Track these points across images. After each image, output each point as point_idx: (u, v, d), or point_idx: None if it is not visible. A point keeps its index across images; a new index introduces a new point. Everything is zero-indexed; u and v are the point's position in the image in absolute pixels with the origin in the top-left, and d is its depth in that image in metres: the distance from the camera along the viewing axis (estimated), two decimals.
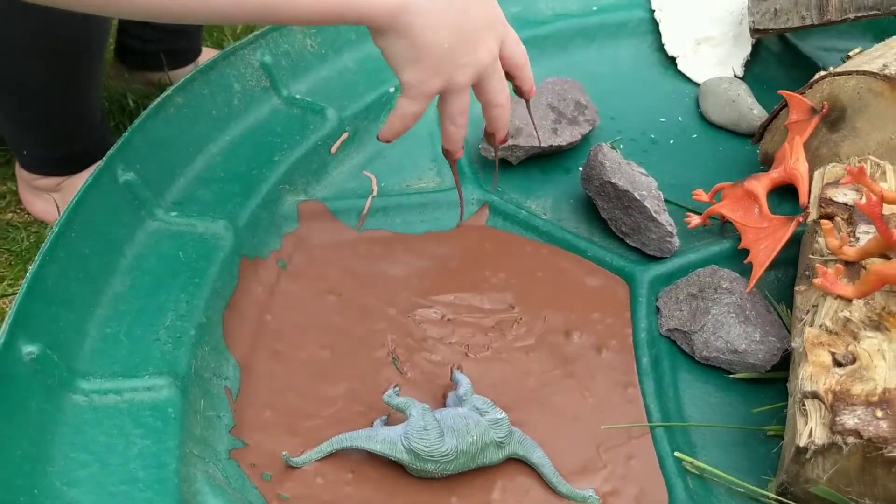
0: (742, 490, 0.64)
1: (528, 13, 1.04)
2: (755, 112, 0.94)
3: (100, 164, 0.72)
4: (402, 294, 0.75)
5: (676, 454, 0.65)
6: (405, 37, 0.57)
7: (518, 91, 0.72)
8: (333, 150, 0.85)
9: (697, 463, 0.65)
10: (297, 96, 0.87)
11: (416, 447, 0.60)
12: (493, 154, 0.87)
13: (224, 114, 0.83)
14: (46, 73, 0.83)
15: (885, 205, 0.66)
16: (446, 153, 0.71)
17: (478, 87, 0.64)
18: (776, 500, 0.62)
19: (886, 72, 0.78)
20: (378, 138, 0.67)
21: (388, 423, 0.65)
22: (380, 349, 0.71)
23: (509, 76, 0.68)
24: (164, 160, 0.76)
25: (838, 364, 0.61)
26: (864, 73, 0.79)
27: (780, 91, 0.84)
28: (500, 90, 0.65)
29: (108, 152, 0.73)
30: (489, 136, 0.72)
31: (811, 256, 0.70)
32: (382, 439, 0.61)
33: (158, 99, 0.79)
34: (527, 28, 1.02)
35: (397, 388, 0.65)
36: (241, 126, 0.83)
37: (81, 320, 0.64)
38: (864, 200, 0.63)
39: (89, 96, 0.90)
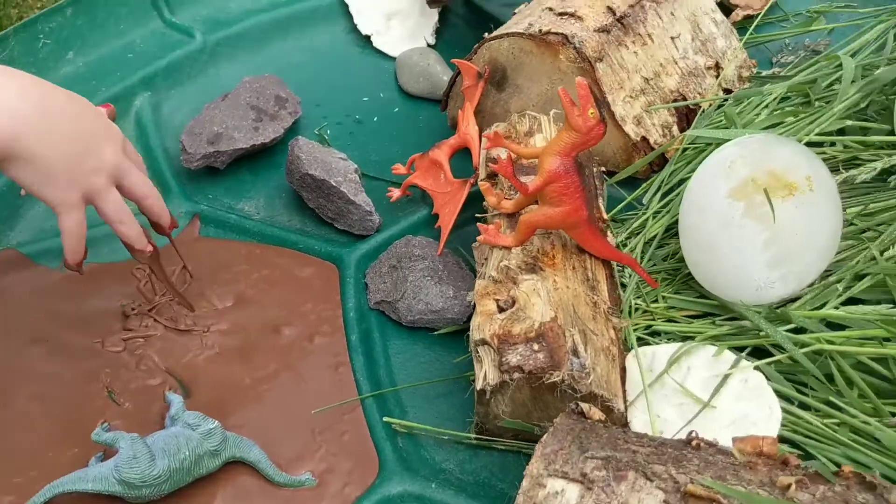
0: (447, 437, 0.71)
1: (219, 14, 1.05)
2: (445, 79, 1.00)
3: None
4: (115, 325, 0.76)
5: (385, 419, 0.71)
6: (29, 162, 0.59)
7: (156, 228, 0.73)
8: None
9: (405, 423, 0.71)
10: None
11: (128, 477, 0.62)
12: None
13: None
14: None
15: (526, 159, 0.75)
16: (134, 253, 0.71)
17: (120, 188, 0.67)
18: (476, 438, 0.70)
19: (531, 31, 0.86)
20: (68, 265, 0.67)
21: (104, 458, 0.66)
22: (94, 386, 0.72)
23: (144, 211, 0.71)
24: None
25: (501, 310, 0.69)
26: (513, 34, 0.86)
27: (453, 59, 0.90)
28: (142, 183, 0.68)
29: None
30: (155, 226, 0.73)
31: (476, 215, 0.77)
32: (94, 477, 0.63)
33: None
34: (219, 29, 1.03)
35: (105, 425, 0.66)
36: None
37: None
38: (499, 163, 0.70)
39: None
